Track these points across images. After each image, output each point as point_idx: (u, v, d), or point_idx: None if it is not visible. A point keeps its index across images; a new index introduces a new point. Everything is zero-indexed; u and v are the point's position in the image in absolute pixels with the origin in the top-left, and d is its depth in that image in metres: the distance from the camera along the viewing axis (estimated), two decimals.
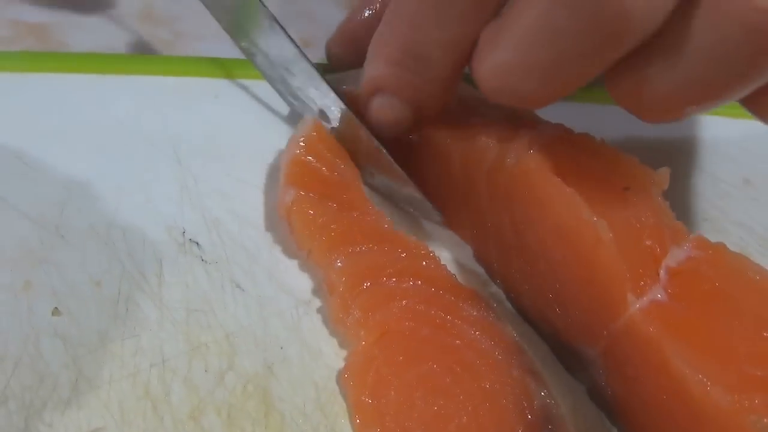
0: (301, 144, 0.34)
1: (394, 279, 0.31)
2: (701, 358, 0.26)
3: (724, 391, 0.25)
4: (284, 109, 0.38)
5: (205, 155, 0.35)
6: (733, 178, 0.40)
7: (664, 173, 0.31)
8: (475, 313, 0.30)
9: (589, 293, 0.29)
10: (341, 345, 0.31)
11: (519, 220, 0.31)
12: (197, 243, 0.33)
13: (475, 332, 0.30)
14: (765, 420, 0.24)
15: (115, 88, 0.37)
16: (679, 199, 0.38)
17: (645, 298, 0.28)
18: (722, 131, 0.42)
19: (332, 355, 0.30)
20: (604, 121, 0.36)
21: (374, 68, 0.32)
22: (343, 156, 0.35)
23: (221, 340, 0.30)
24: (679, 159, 0.39)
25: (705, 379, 0.26)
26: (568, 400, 0.31)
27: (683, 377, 0.26)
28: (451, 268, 0.34)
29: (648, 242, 0.29)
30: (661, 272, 0.29)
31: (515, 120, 0.33)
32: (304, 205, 0.32)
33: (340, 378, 0.29)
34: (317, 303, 0.32)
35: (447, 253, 0.35)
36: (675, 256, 0.29)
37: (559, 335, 0.32)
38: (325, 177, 0.34)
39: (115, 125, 0.36)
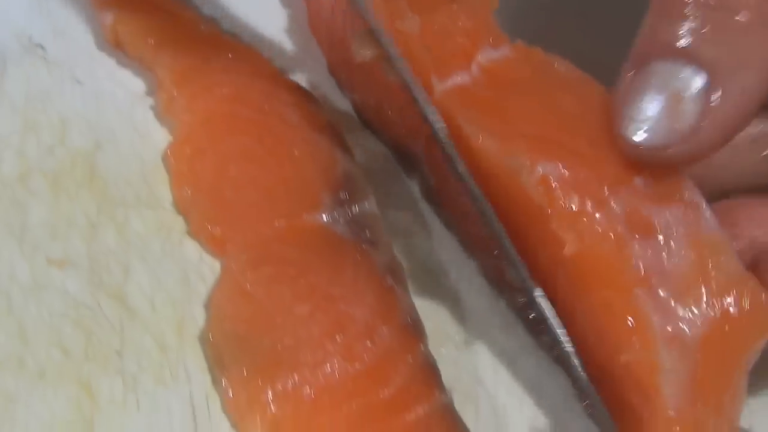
0: None
1: (220, 73, 0.33)
2: (488, 123, 0.29)
3: (495, 141, 0.28)
4: None
5: None
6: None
7: None
8: (293, 99, 0.33)
9: None
10: (170, 133, 0.33)
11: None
12: (42, 46, 0.35)
13: (291, 114, 0.32)
14: (527, 162, 0.27)
15: None
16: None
17: (449, 81, 0.30)
18: None
19: (161, 140, 0.33)
20: None
21: None
22: None
23: (56, 123, 0.32)
24: None
25: (482, 135, 0.29)
26: (405, 202, 0.34)
27: (468, 136, 0.29)
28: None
29: (460, 40, 0.31)
30: (473, 66, 0.31)
31: None
32: (126, 19, 0.34)
33: (164, 153, 0.32)
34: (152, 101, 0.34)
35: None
36: (488, 55, 0.31)
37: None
38: None
39: None
